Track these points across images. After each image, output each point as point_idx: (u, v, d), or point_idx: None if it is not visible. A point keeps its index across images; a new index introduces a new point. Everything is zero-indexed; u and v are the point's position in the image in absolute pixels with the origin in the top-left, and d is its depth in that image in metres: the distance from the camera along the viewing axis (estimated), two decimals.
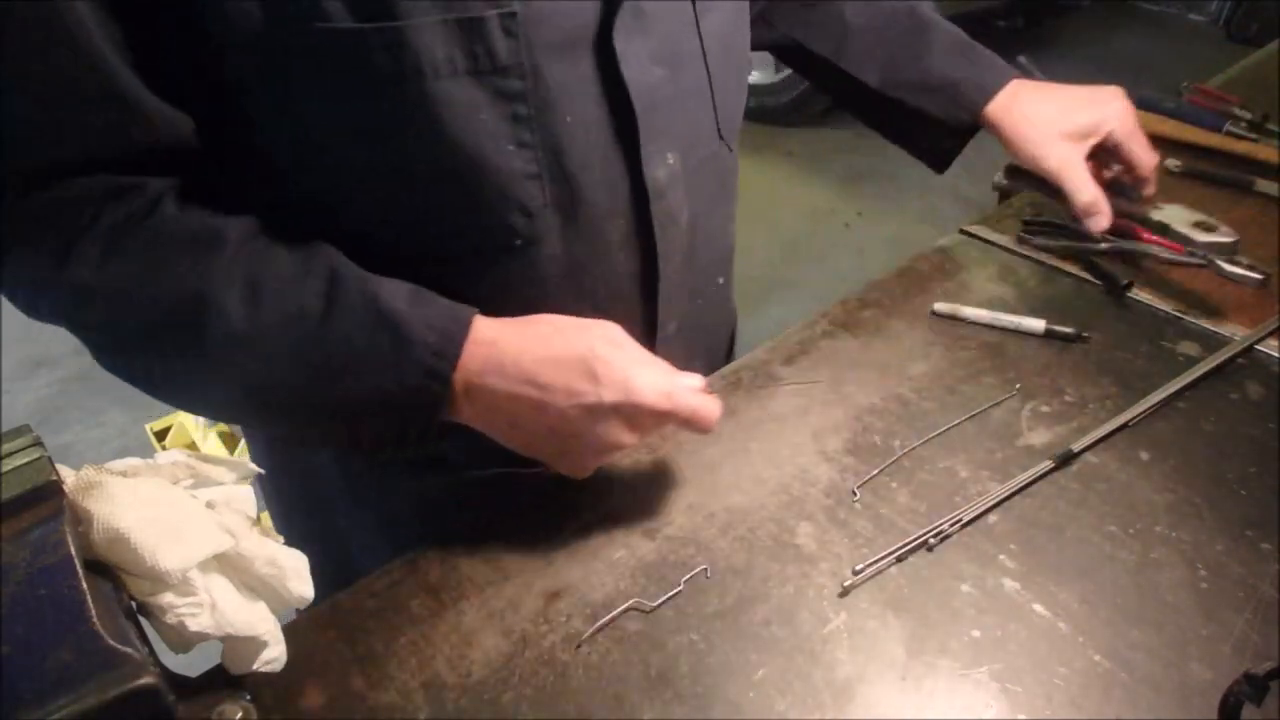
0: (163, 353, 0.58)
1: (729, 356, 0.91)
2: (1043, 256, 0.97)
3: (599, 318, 0.63)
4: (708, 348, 0.84)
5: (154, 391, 0.63)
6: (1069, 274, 0.95)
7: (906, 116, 0.92)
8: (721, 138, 0.73)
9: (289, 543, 0.94)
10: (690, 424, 0.62)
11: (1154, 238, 0.97)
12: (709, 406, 0.62)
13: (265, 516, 1.96)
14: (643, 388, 0.59)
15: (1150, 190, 0.90)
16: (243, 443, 2.01)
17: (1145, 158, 0.87)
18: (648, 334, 0.74)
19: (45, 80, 0.51)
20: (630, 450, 0.74)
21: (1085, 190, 0.84)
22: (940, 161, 0.96)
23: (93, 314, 0.57)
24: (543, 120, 0.59)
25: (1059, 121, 0.86)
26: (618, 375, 0.59)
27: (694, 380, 0.63)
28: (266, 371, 0.57)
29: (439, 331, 0.58)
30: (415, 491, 0.77)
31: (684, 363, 0.79)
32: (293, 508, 0.89)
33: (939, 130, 0.92)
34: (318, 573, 0.89)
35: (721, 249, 0.80)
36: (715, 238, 0.77)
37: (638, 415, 0.60)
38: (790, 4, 0.94)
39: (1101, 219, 0.84)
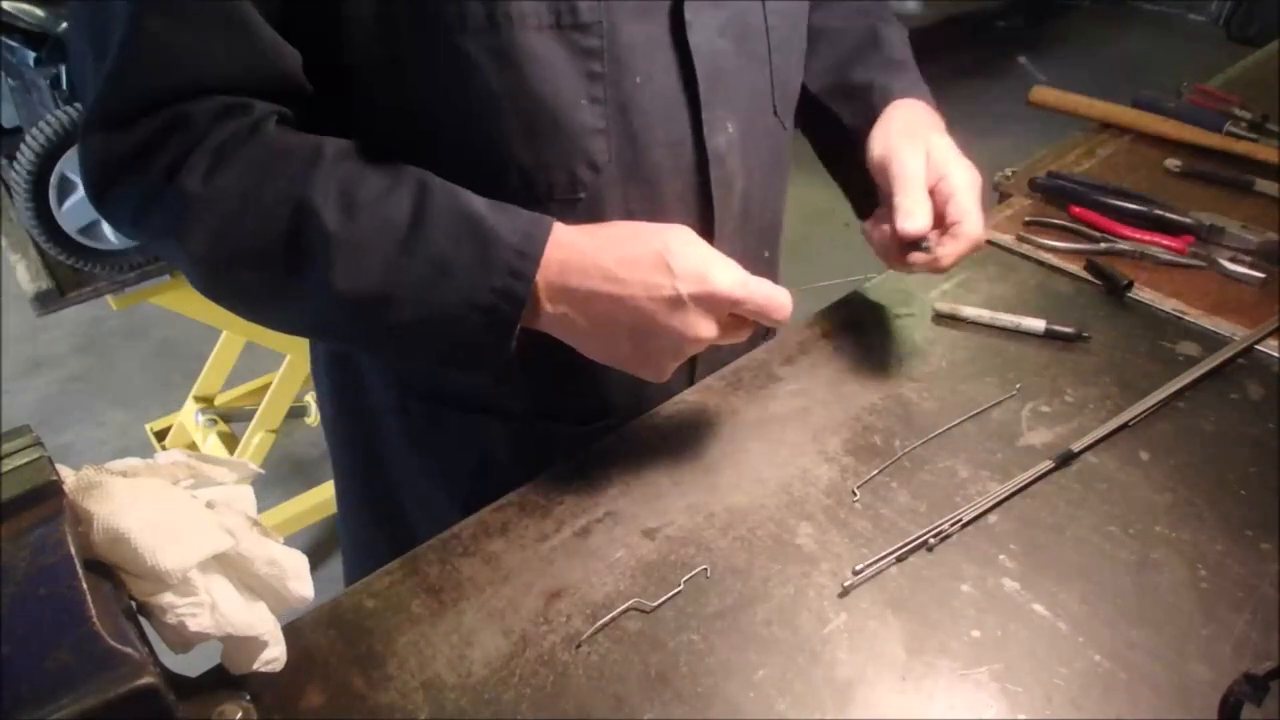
0: (263, 263, 0.60)
1: (771, 331, 0.90)
2: (1043, 256, 0.98)
3: None
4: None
5: (252, 309, 0.66)
6: (1069, 274, 0.95)
7: (830, 128, 0.84)
8: (776, 113, 0.75)
9: (345, 498, 0.96)
10: (765, 312, 0.63)
11: (1152, 238, 0.97)
12: (782, 297, 0.63)
13: (265, 516, 1.95)
14: (717, 276, 0.61)
15: (946, 257, 0.71)
16: (242, 442, 2.01)
17: (971, 217, 0.71)
18: None
19: (180, 6, 0.56)
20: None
21: (903, 189, 0.72)
22: (864, 208, 0.83)
23: (199, 225, 0.59)
24: (614, 79, 0.63)
25: (907, 131, 0.76)
26: (692, 267, 0.60)
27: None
28: (361, 279, 0.59)
29: (522, 234, 0.60)
30: (472, 440, 0.79)
31: None
32: (354, 459, 0.92)
33: (852, 153, 0.80)
34: (372, 529, 0.91)
35: (771, 222, 0.82)
36: (765, 210, 0.79)
37: (714, 304, 0.61)
38: None
39: (917, 219, 0.70)
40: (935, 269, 0.73)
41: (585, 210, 0.67)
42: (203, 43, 0.57)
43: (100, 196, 0.62)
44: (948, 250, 0.71)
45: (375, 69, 0.62)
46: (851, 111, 0.82)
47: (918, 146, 0.74)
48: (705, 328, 0.62)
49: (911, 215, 0.71)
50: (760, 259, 0.82)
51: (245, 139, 0.59)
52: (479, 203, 0.61)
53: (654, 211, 0.69)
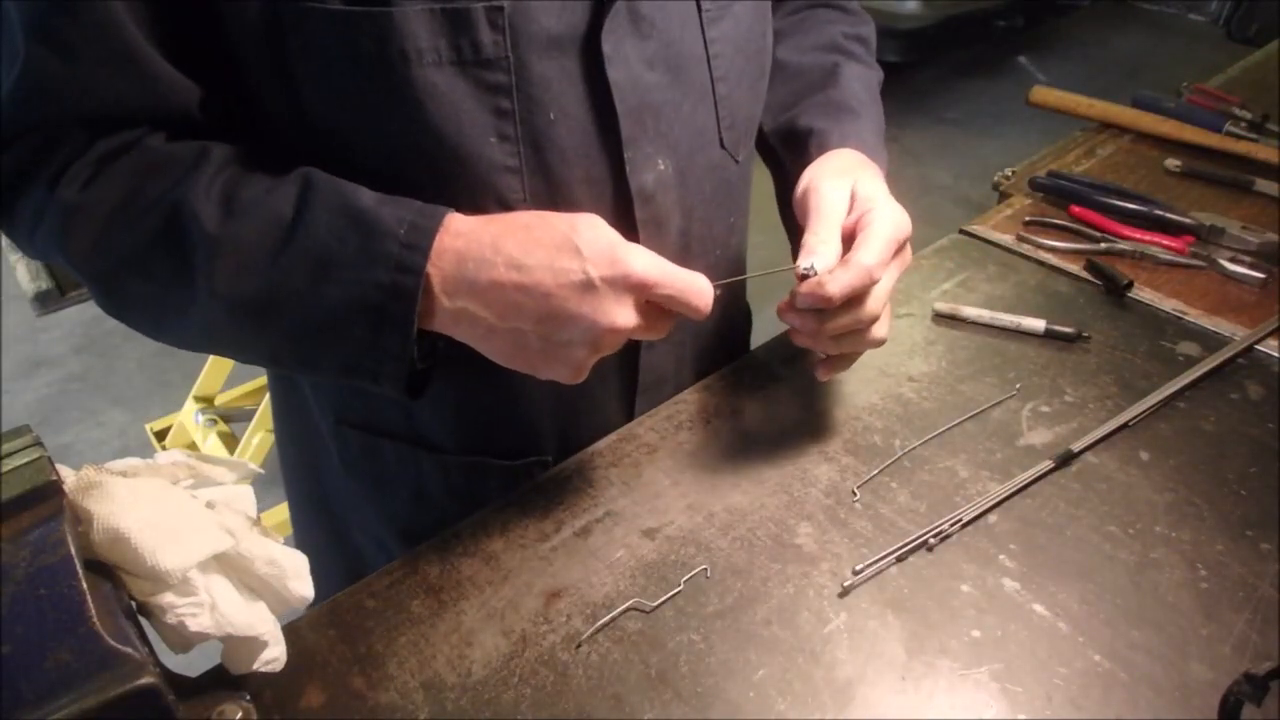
0: (148, 272, 0.58)
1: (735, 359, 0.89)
2: (1043, 256, 0.98)
3: None
4: (698, 354, 0.83)
5: (151, 326, 0.63)
6: (1069, 274, 0.95)
7: (777, 169, 0.80)
8: (724, 145, 0.71)
9: (293, 519, 0.95)
10: (684, 297, 0.58)
11: (1152, 238, 0.97)
12: (702, 284, 0.59)
13: (265, 516, 1.95)
14: (630, 257, 0.56)
15: (833, 283, 0.60)
16: (242, 443, 2.01)
17: (872, 247, 0.62)
18: None
19: (70, 38, 0.54)
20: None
21: (813, 226, 0.64)
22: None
23: (82, 236, 0.57)
24: (526, 115, 0.59)
25: (836, 170, 0.70)
26: (603, 247, 0.56)
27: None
28: (243, 281, 0.56)
29: (409, 224, 0.55)
30: (406, 471, 0.77)
31: (671, 368, 0.79)
32: (301, 481, 0.89)
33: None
34: (323, 552, 0.90)
35: (721, 258, 0.77)
36: (713, 247, 0.74)
37: (629, 286, 0.56)
38: None
39: (819, 257, 0.62)
40: (824, 304, 0.61)
41: None
42: (91, 80, 0.55)
43: (3, 220, 0.61)
44: (836, 277, 0.60)
45: (275, 97, 0.59)
46: (792, 157, 0.76)
47: (842, 184, 0.67)
48: (622, 314, 0.56)
49: (814, 253, 0.62)
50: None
51: (128, 149, 0.57)
52: (367, 196, 0.57)
53: None
